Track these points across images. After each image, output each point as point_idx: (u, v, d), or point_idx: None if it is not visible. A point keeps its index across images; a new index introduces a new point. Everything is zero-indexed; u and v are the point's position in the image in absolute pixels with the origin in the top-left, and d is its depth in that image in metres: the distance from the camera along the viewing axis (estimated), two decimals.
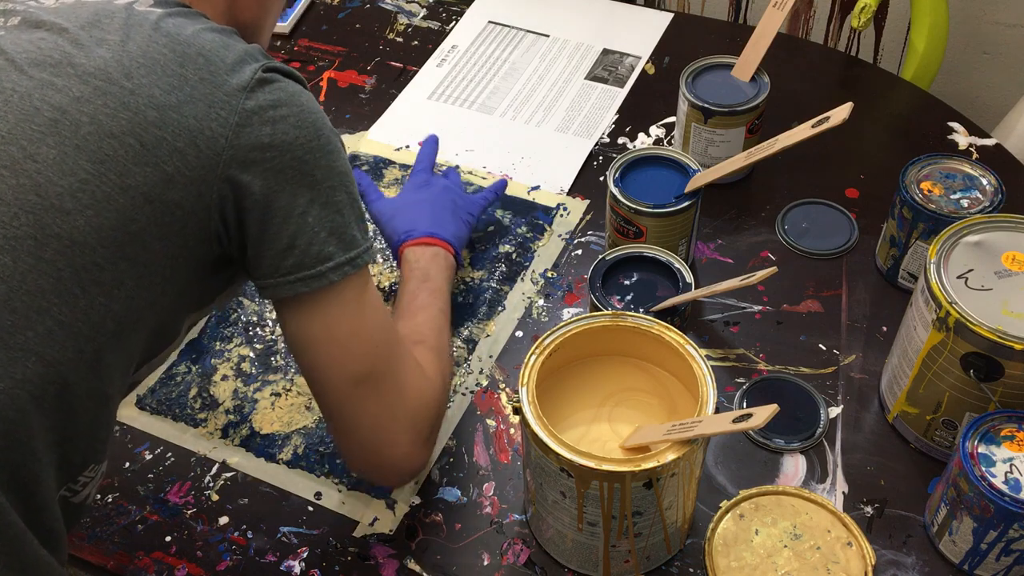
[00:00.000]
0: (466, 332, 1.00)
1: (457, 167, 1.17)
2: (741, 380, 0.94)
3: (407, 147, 1.21)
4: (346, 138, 1.23)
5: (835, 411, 0.91)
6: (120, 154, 0.62)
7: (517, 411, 0.74)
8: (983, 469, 0.74)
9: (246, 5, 0.77)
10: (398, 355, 0.77)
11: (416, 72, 1.33)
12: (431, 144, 1.09)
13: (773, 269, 0.86)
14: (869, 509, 0.84)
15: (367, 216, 0.77)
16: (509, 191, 1.14)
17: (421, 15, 1.43)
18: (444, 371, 0.83)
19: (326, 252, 0.69)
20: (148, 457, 0.91)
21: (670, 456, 0.70)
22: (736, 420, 0.67)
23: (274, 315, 1.02)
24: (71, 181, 0.60)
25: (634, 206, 0.96)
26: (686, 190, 0.96)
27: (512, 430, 0.92)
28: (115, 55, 0.64)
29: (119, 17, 0.66)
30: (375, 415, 0.75)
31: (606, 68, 1.31)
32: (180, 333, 0.76)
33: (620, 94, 1.27)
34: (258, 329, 1.01)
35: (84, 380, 0.62)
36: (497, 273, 1.05)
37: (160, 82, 0.64)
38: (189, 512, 0.87)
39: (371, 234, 0.77)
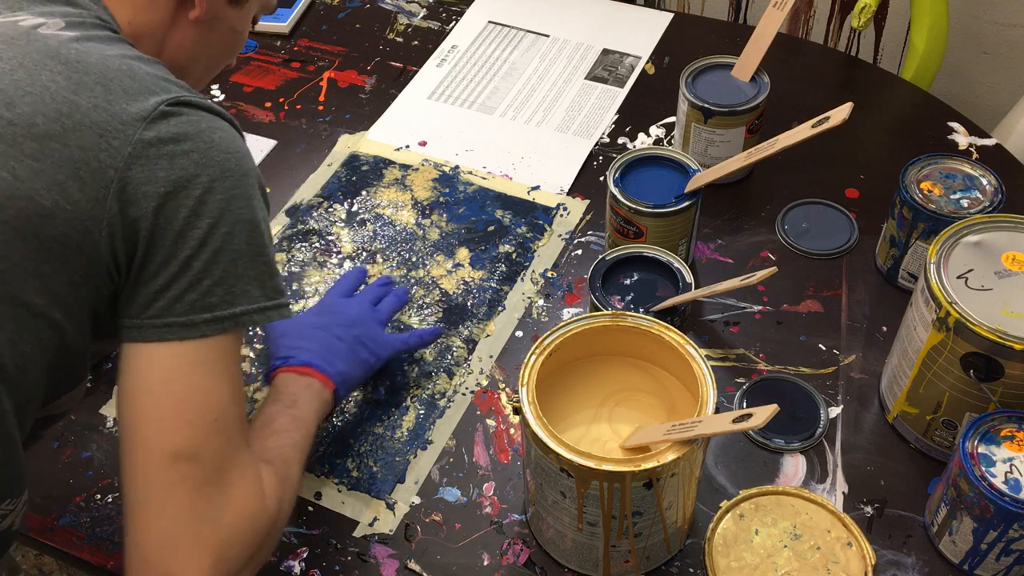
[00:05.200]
0: (466, 332, 1.00)
1: (456, 166, 1.17)
2: (741, 380, 0.94)
3: (407, 147, 1.21)
4: (346, 138, 1.23)
5: (835, 411, 0.91)
6: None
7: (517, 411, 0.74)
8: (983, 469, 0.74)
9: (178, 44, 0.75)
10: (236, 455, 0.66)
11: (416, 72, 1.33)
12: (357, 272, 0.99)
13: (773, 269, 0.86)
14: (869, 509, 0.84)
15: (273, 276, 0.69)
16: (509, 191, 1.14)
17: (421, 15, 1.43)
18: (284, 501, 0.70)
19: (206, 302, 0.63)
20: None
21: (670, 456, 0.70)
22: (736, 420, 0.67)
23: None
24: None
25: (634, 206, 0.96)
26: (686, 190, 0.96)
27: (512, 430, 0.92)
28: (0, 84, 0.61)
29: (18, 43, 0.63)
30: (181, 513, 0.62)
31: (606, 68, 1.31)
32: (87, 369, 0.70)
33: (620, 94, 1.27)
34: (258, 329, 1.01)
35: None
36: (497, 273, 1.05)
37: (46, 110, 0.60)
38: None
39: (282, 293, 0.69)
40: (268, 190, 0.69)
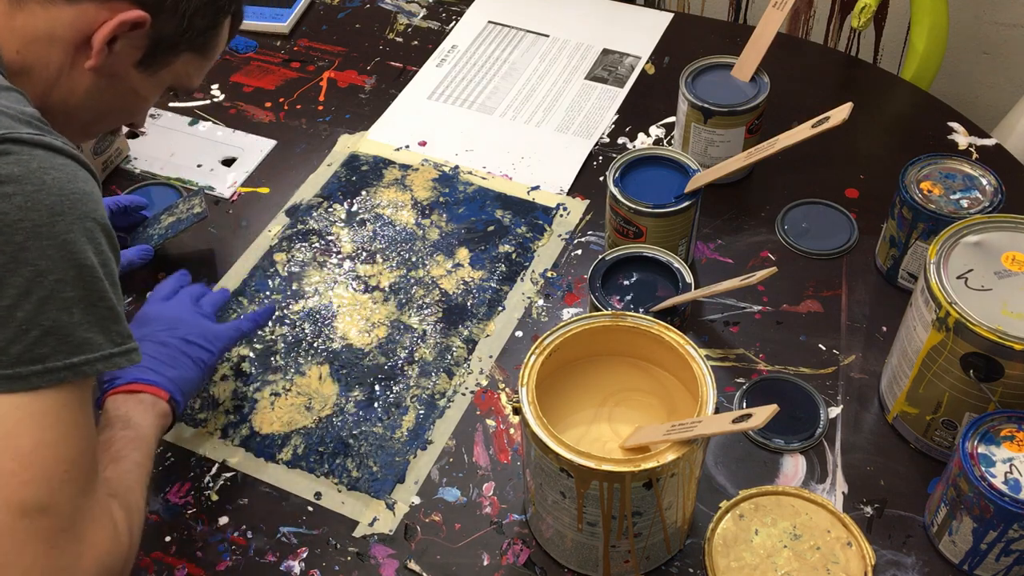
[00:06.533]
0: (466, 332, 1.00)
1: (456, 167, 1.17)
2: (741, 380, 0.94)
3: (407, 147, 1.21)
4: (346, 138, 1.23)
5: (835, 411, 0.91)
6: None
7: (517, 411, 0.74)
8: (983, 469, 0.74)
9: (71, 87, 0.72)
10: (88, 501, 0.63)
11: (416, 72, 1.33)
12: (176, 276, 0.96)
13: (773, 269, 0.86)
14: (869, 509, 0.84)
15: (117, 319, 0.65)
16: (509, 191, 1.14)
17: (421, 15, 1.43)
18: (133, 529, 0.69)
19: (36, 354, 0.60)
20: None
21: (670, 456, 0.70)
22: (736, 420, 0.67)
23: (274, 315, 1.02)
24: None
25: (634, 206, 0.96)
26: (686, 190, 0.96)
27: (512, 430, 0.92)
28: None
29: None
30: (35, 567, 0.60)
31: (606, 68, 1.31)
32: None
33: (620, 94, 1.27)
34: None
35: None
36: (497, 273, 1.05)
37: None
38: (189, 512, 0.87)
39: (129, 338, 0.66)
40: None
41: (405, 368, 0.97)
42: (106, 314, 0.63)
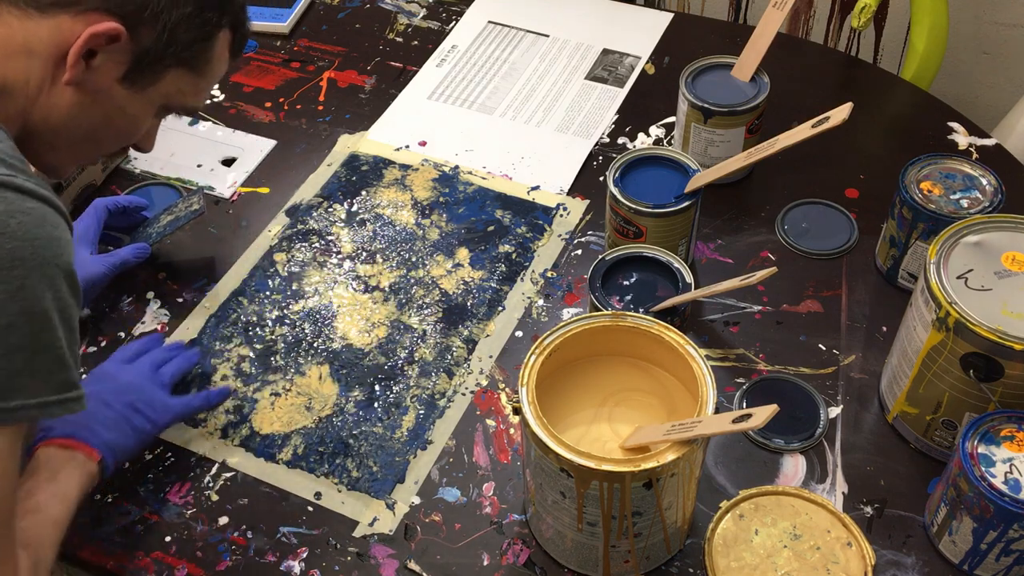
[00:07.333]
0: (466, 332, 1.00)
1: (456, 167, 1.17)
2: (741, 380, 0.94)
3: (407, 147, 1.21)
4: (346, 138, 1.23)
5: (835, 411, 0.91)
6: None
7: (517, 411, 0.74)
8: (983, 469, 0.74)
9: (52, 105, 0.70)
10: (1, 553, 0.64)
11: (416, 72, 1.33)
12: (147, 339, 0.95)
13: (773, 269, 0.86)
14: (869, 509, 0.84)
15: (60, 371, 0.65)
16: (509, 191, 1.14)
17: (421, 15, 1.43)
18: None
19: None
20: (148, 457, 0.91)
21: (670, 456, 0.70)
22: (736, 420, 0.67)
23: (274, 315, 1.02)
24: None
25: (634, 206, 0.96)
26: (686, 190, 0.96)
27: (512, 430, 0.92)
28: None
29: None
30: None
31: (606, 68, 1.31)
32: None
33: (620, 94, 1.27)
34: (258, 329, 1.01)
35: None
36: (497, 273, 1.05)
37: None
38: (189, 512, 0.87)
39: (71, 387, 0.65)
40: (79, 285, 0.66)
41: (405, 368, 0.97)
42: (51, 363, 0.63)
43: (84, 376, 0.91)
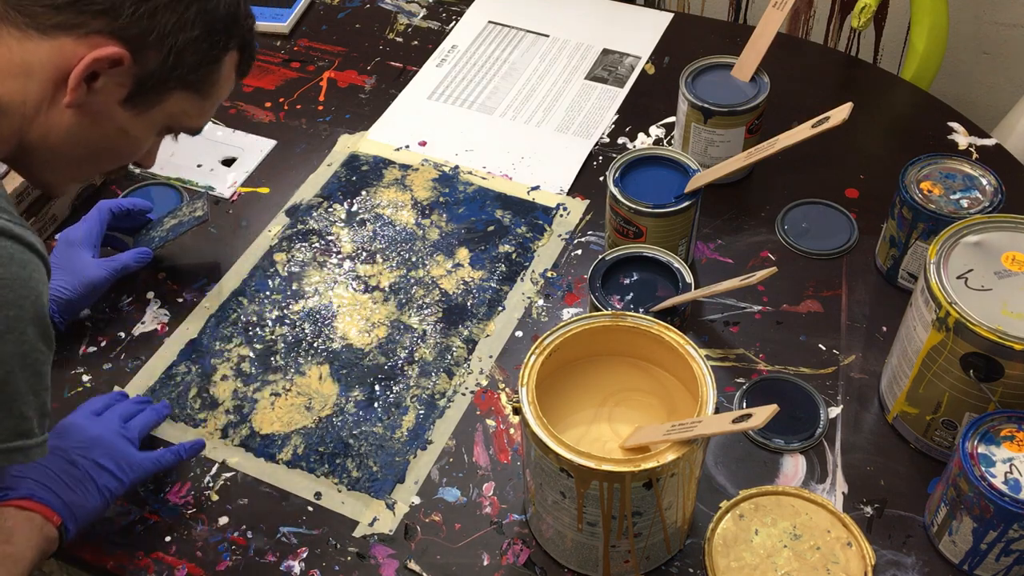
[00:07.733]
0: (466, 332, 1.00)
1: (456, 167, 1.17)
2: (741, 380, 0.94)
3: (407, 147, 1.21)
4: (346, 138, 1.23)
5: (835, 411, 0.91)
6: None
7: (517, 411, 0.74)
8: (983, 469, 0.74)
9: (51, 124, 0.69)
10: None
11: (416, 72, 1.33)
12: (112, 394, 0.92)
13: (773, 269, 0.86)
14: (869, 509, 0.84)
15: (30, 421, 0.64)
16: (509, 191, 1.14)
17: (421, 15, 1.43)
18: None
19: None
20: None
21: (670, 456, 0.70)
22: (736, 420, 0.67)
23: (274, 315, 1.02)
24: None
25: (634, 206, 0.96)
26: (686, 190, 0.96)
27: (512, 430, 0.92)
28: None
29: None
30: None
31: (606, 68, 1.31)
32: None
33: (620, 94, 1.27)
34: (258, 329, 1.01)
35: None
36: (497, 273, 1.05)
37: None
38: (189, 512, 0.87)
39: (21, 436, 0.64)
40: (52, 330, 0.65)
41: (405, 368, 0.97)
42: (8, 415, 0.62)
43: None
